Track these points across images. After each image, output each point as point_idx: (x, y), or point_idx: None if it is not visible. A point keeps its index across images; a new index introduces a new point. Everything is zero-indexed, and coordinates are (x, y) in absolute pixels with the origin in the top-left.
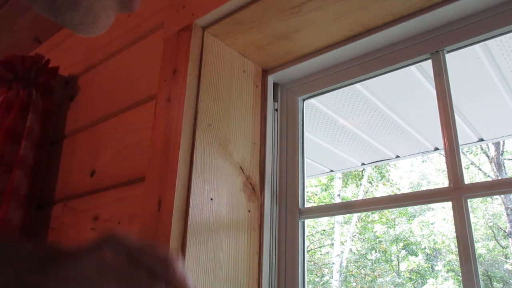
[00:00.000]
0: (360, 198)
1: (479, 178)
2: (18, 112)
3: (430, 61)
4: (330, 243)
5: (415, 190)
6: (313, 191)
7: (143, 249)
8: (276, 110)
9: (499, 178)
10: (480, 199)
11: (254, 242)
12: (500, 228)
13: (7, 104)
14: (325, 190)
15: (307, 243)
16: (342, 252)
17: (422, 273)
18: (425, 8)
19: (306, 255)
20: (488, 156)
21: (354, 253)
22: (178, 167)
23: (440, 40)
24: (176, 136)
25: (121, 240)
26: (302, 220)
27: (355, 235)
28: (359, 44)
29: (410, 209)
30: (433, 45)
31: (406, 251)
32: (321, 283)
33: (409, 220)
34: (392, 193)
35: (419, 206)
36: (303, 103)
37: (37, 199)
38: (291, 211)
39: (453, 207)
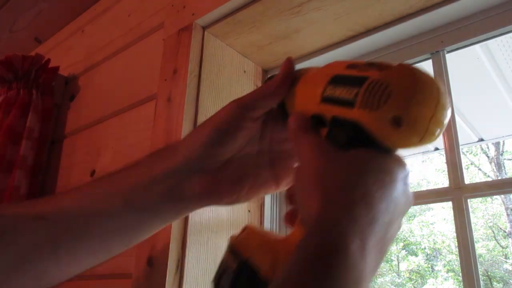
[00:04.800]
0: None
1: (479, 178)
2: (18, 112)
3: (430, 61)
4: None
5: (415, 190)
6: None
7: None
8: None
9: (499, 178)
10: (480, 199)
11: None
12: (500, 228)
13: (7, 104)
14: None
15: None
16: None
17: (422, 273)
18: (425, 8)
19: None
20: (488, 156)
21: None
22: None
23: (440, 40)
24: (176, 136)
25: None
26: None
27: None
28: (359, 44)
29: (410, 209)
30: (433, 45)
31: (406, 251)
32: None
33: (409, 220)
34: None
35: (419, 206)
36: None
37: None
38: None
39: (453, 207)
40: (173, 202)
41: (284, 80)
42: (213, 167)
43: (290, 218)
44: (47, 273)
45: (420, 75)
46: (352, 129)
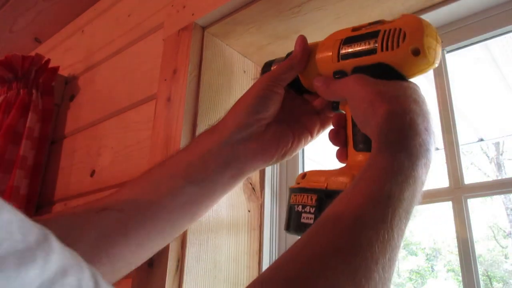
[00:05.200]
0: None
1: (479, 178)
2: (18, 112)
3: None
4: None
5: None
6: None
7: None
8: None
9: (499, 178)
10: (480, 199)
11: (254, 242)
12: (500, 228)
13: (7, 104)
14: None
15: None
16: None
17: (422, 273)
18: (425, 8)
19: None
20: (488, 156)
21: None
22: None
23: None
24: (176, 136)
25: None
26: None
27: None
28: None
29: None
30: None
31: (406, 251)
32: None
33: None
34: None
35: (419, 206)
36: None
37: (37, 199)
38: None
39: (453, 207)
40: (230, 169)
41: (303, 53)
42: (259, 132)
43: (340, 155)
44: (120, 258)
45: (420, 18)
46: (377, 69)
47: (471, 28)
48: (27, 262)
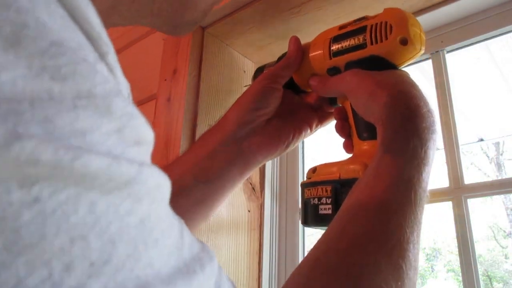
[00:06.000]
0: None
1: (479, 178)
2: None
3: (430, 61)
4: None
5: None
6: None
7: None
8: None
9: (499, 178)
10: (480, 199)
11: (254, 242)
12: (500, 228)
13: None
14: None
15: (307, 243)
16: None
17: (422, 273)
18: (425, 8)
19: None
20: (488, 156)
21: None
22: None
23: (440, 40)
24: (176, 136)
25: None
26: None
27: None
28: None
29: None
30: (433, 45)
31: None
32: None
33: None
34: None
35: None
36: None
37: None
38: (291, 211)
39: (453, 207)
40: (236, 165)
41: (298, 52)
42: (260, 126)
43: (347, 145)
44: None
45: (402, 10)
46: (369, 62)
47: (471, 28)
48: (211, 261)
